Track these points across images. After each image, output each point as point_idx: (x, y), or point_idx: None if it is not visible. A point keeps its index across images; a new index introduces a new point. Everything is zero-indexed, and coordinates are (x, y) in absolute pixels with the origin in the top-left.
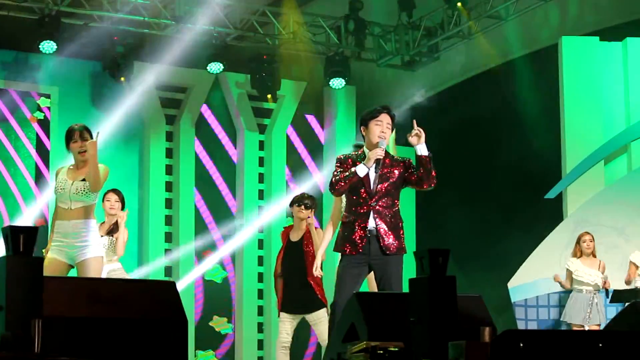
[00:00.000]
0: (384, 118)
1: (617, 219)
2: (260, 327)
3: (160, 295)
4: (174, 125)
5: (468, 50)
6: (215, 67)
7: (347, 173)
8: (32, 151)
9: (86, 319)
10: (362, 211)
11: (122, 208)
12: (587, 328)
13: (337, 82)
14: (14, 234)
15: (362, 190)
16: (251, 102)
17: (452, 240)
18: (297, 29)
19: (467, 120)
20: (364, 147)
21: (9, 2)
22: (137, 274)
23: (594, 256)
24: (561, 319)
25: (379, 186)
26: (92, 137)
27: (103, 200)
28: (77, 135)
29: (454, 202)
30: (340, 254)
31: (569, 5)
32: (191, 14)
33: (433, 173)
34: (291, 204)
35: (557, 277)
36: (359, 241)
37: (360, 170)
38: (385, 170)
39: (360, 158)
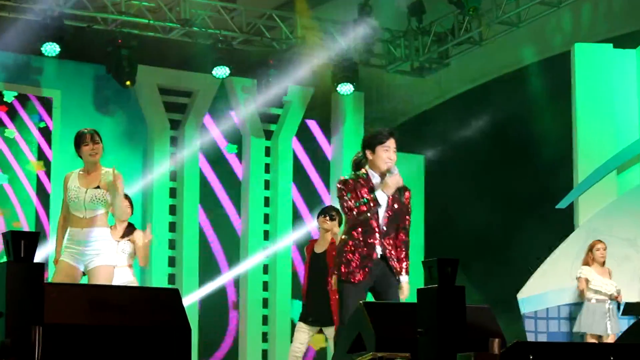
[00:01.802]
0: (391, 144)
1: (629, 230)
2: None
3: (163, 302)
4: (178, 130)
5: (479, 57)
6: (221, 72)
7: (363, 199)
8: (32, 157)
9: (88, 327)
10: (370, 241)
11: (132, 213)
12: (606, 338)
13: (346, 88)
14: (14, 240)
15: (372, 221)
16: (257, 107)
17: (461, 249)
18: (305, 33)
19: (477, 127)
20: (367, 168)
21: (10, 4)
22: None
23: (604, 264)
24: (574, 331)
25: (387, 217)
26: (101, 141)
27: None
28: (88, 138)
29: (463, 210)
30: (341, 280)
31: (582, 11)
32: (197, 17)
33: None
34: (317, 216)
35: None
36: (365, 268)
37: (381, 197)
38: (393, 198)
39: (362, 179)
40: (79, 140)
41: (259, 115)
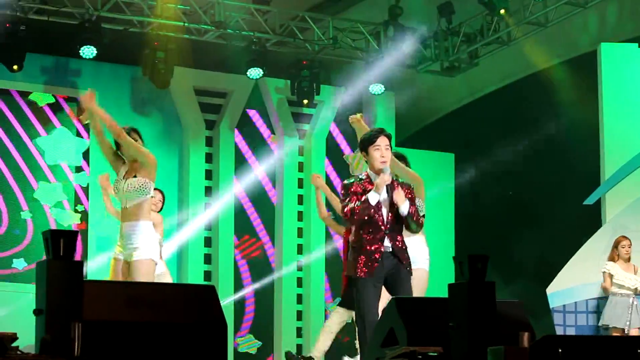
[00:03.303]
0: (382, 141)
1: None
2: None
3: (200, 299)
4: (213, 130)
5: (507, 57)
6: (255, 73)
7: (358, 202)
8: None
9: (126, 323)
10: (377, 236)
11: (162, 207)
12: (627, 332)
13: (377, 88)
14: (54, 238)
15: (377, 217)
16: (290, 107)
17: (490, 246)
18: (336, 34)
19: (505, 126)
20: (368, 171)
21: (49, 8)
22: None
23: (629, 260)
24: (599, 324)
25: (391, 213)
26: (141, 138)
27: None
28: (128, 134)
29: (492, 207)
30: (354, 278)
31: (608, 11)
32: (231, 19)
33: (420, 221)
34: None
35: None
36: (375, 264)
37: (372, 198)
38: (393, 193)
39: (364, 182)
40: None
41: (292, 115)
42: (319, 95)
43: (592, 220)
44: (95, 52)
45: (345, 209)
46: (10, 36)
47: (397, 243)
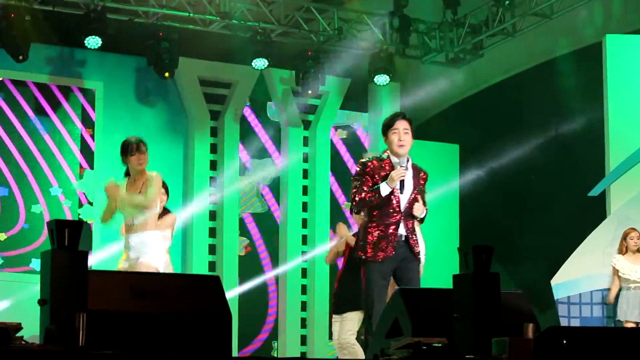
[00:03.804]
0: (400, 124)
1: None
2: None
3: (204, 289)
4: (218, 121)
5: (512, 48)
6: (260, 63)
7: (370, 195)
8: (76, 149)
9: (130, 313)
10: (392, 220)
11: (167, 200)
12: None
13: (382, 79)
14: (59, 228)
15: (393, 203)
16: (295, 98)
17: (494, 237)
18: (342, 25)
19: (510, 117)
20: (389, 152)
21: None
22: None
23: (638, 252)
24: (617, 319)
25: (409, 198)
26: (147, 150)
27: None
28: (135, 148)
29: (496, 198)
30: (365, 260)
31: (613, 3)
32: (236, 9)
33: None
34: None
35: (609, 300)
36: (389, 247)
37: (384, 189)
38: (413, 181)
39: (383, 161)
40: (126, 150)
41: (297, 106)
42: (324, 86)
43: (596, 212)
44: (100, 42)
45: (357, 198)
46: (16, 26)
47: (410, 230)
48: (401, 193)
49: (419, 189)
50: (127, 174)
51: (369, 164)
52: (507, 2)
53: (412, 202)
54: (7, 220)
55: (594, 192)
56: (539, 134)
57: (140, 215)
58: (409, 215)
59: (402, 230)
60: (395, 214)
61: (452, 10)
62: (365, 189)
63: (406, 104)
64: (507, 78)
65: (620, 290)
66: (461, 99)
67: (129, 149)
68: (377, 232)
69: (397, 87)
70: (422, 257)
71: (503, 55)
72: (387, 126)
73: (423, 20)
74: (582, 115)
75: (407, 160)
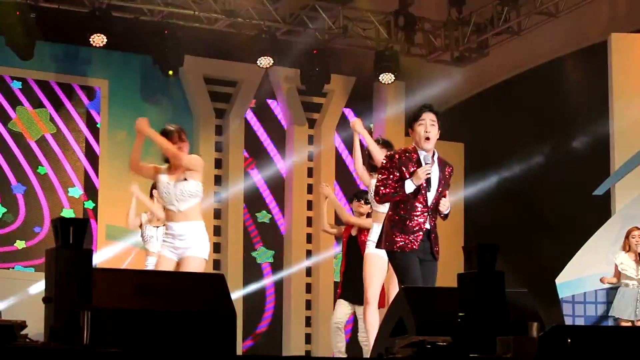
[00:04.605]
0: (427, 116)
1: None
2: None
3: (209, 287)
4: (223, 119)
5: (517, 47)
6: (265, 62)
7: (394, 190)
8: (79, 150)
9: (135, 311)
10: (418, 215)
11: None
12: (635, 323)
13: (387, 77)
14: (63, 226)
15: (420, 199)
16: (300, 96)
17: (498, 235)
18: (347, 23)
19: (515, 116)
20: (414, 144)
21: None
22: None
23: None
24: (609, 314)
25: (435, 194)
26: (187, 139)
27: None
28: (176, 137)
29: (501, 196)
30: (393, 250)
31: (619, 1)
32: (241, 8)
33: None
34: (351, 200)
35: (603, 279)
36: (415, 237)
37: (409, 187)
38: (440, 175)
39: (411, 154)
40: (167, 137)
41: (301, 104)
42: (329, 84)
43: (601, 211)
44: (106, 40)
45: (381, 191)
46: (21, 24)
47: (433, 226)
48: (428, 191)
49: (445, 185)
50: (166, 160)
51: (396, 156)
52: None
53: (438, 198)
54: None
55: (599, 191)
56: (544, 132)
57: (184, 201)
58: (434, 211)
59: (427, 226)
60: (422, 211)
61: (457, 9)
62: (390, 182)
63: (411, 102)
64: (512, 76)
65: (618, 287)
66: (466, 98)
67: (169, 137)
68: (398, 227)
69: (402, 86)
70: None
71: (508, 53)
72: (414, 118)
73: (428, 18)
74: (587, 114)
75: (434, 155)
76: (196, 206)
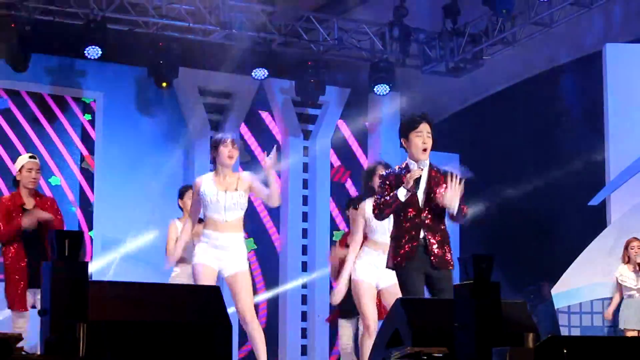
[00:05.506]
0: (424, 127)
1: None
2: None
3: (204, 299)
4: (218, 131)
5: (512, 57)
6: (260, 73)
7: (388, 198)
8: (74, 166)
9: (131, 323)
10: (412, 225)
11: None
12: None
13: (382, 89)
14: (59, 239)
15: (411, 209)
16: (295, 108)
17: (494, 245)
18: (341, 35)
19: (510, 126)
20: (407, 160)
21: (54, 8)
22: None
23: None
24: (620, 327)
25: (428, 202)
26: (238, 148)
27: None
28: (229, 142)
29: (496, 207)
30: (392, 266)
31: (614, 12)
32: (236, 19)
33: (464, 211)
34: (347, 206)
35: (607, 315)
36: (412, 252)
37: (401, 194)
38: (433, 183)
39: (403, 173)
40: (218, 142)
41: (296, 115)
42: (324, 95)
43: (596, 222)
44: (101, 52)
45: (376, 203)
46: (16, 36)
47: (434, 239)
48: (419, 199)
49: (438, 185)
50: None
51: (390, 176)
52: (503, 12)
53: (430, 206)
54: None
55: (594, 201)
56: (539, 142)
57: (233, 212)
58: (428, 226)
59: (421, 237)
60: (414, 220)
61: (452, 20)
62: (385, 194)
63: (406, 113)
64: (507, 87)
65: (621, 301)
66: (461, 108)
67: (222, 140)
68: (398, 242)
69: (397, 97)
70: None
71: (503, 64)
72: (410, 128)
73: (423, 29)
74: (582, 124)
75: (426, 164)
76: (241, 218)
